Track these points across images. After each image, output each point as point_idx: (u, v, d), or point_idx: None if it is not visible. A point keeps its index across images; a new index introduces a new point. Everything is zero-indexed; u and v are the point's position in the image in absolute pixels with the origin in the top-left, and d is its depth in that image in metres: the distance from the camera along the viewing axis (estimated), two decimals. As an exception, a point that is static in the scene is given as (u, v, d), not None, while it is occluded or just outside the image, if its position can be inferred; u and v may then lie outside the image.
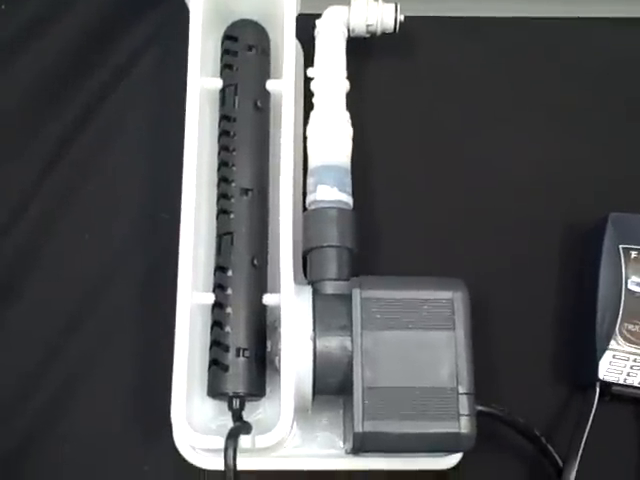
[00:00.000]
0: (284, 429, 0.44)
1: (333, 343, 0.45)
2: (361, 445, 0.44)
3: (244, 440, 0.44)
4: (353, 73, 0.54)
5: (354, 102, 0.54)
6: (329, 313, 0.46)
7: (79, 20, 0.58)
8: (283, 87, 0.50)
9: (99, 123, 0.56)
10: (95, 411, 0.51)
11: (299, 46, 0.56)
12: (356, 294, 0.45)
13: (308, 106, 0.53)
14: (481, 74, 0.57)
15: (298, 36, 0.55)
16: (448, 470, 0.49)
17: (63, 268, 0.53)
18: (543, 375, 0.52)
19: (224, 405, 0.47)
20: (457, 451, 0.47)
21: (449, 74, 0.57)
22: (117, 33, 0.58)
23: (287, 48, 0.50)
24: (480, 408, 0.45)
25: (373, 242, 0.54)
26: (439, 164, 0.56)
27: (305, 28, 0.55)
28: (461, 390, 0.44)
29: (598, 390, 0.49)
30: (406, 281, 0.47)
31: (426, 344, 0.45)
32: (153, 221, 0.54)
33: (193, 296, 0.47)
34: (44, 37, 0.57)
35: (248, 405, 0.48)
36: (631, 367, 0.49)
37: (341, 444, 0.49)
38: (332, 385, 0.45)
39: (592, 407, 0.49)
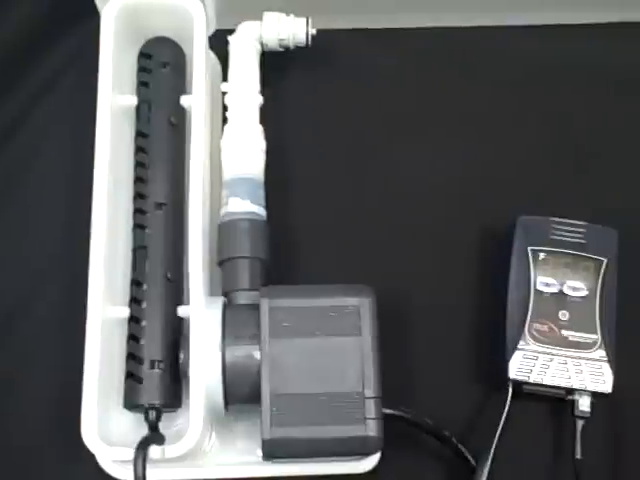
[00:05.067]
0: (193, 439, 0.45)
1: (242, 352, 0.46)
2: (270, 451, 0.45)
3: (154, 450, 0.45)
4: (270, 86, 0.55)
5: (271, 115, 0.55)
6: (239, 323, 0.47)
7: (8, 30, 0.59)
8: (193, 102, 0.51)
9: (20, 140, 0.57)
10: (19, 428, 0.52)
11: (217, 61, 0.57)
12: (264, 303, 0.46)
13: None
14: (395, 85, 0.59)
15: (217, 52, 0.57)
16: (365, 473, 0.50)
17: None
18: (460, 376, 0.53)
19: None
20: (365, 454, 0.48)
21: (364, 86, 0.58)
22: (39, 50, 0.59)
23: (197, 64, 0.51)
24: (387, 411, 0.46)
25: (291, 252, 0.55)
26: (355, 174, 0.57)
27: (224, 44, 0.56)
28: (368, 394, 0.45)
29: (510, 390, 0.50)
30: (314, 289, 0.48)
31: (333, 350, 0.46)
32: (74, 238, 0.54)
33: (108, 310, 0.48)
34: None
35: (167, 416, 0.48)
36: (540, 366, 0.50)
37: (260, 452, 0.50)
38: (243, 394, 0.46)
39: (505, 407, 0.50)
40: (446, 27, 0.59)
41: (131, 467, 0.48)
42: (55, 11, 0.59)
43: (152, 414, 0.47)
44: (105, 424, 0.46)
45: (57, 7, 0.59)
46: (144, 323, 0.48)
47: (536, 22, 0.60)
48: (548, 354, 0.50)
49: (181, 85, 0.54)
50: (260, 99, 0.54)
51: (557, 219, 0.52)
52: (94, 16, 0.55)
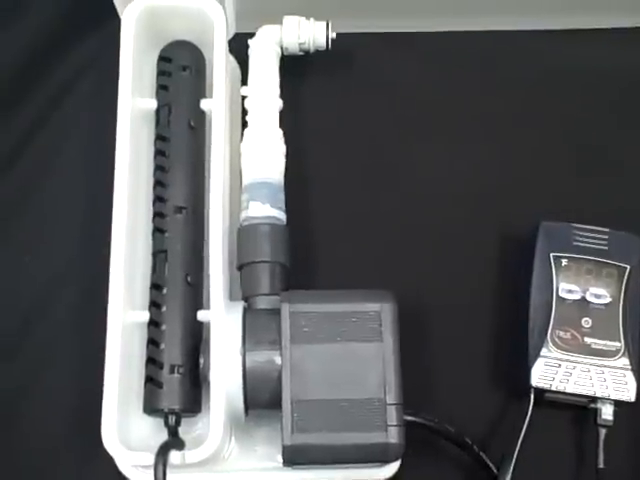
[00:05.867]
0: (213, 444, 0.45)
1: (262, 357, 0.46)
2: (291, 458, 0.45)
3: (174, 456, 0.44)
4: (289, 90, 0.55)
5: (290, 119, 0.55)
6: (259, 328, 0.47)
7: (29, 32, 0.59)
8: (213, 106, 0.51)
9: (40, 143, 0.57)
10: (37, 431, 0.51)
11: (236, 65, 0.57)
12: (285, 308, 0.46)
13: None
14: (414, 88, 0.58)
15: (237, 56, 0.57)
16: (386, 480, 0.49)
17: (3, 290, 0.54)
18: (480, 381, 0.53)
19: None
20: (387, 461, 0.47)
21: (383, 90, 0.58)
22: (59, 53, 0.59)
23: (217, 67, 0.51)
24: (409, 418, 0.46)
25: (310, 255, 0.54)
26: (374, 177, 0.57)
27: (244, 47, 0.56)
28: (389, 401, 0.45)
29: (532, 397, 0.50)
30: (335, 294, 0.47)
31: (354, 356, 0.46)
32: (92, 242, 0.54)
33: (128, 314, 0.48)
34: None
35: (186, 421, 0.48)
36: (563, 374, 0.49)
37: (280, 458, 0.49)
38: (264, 399, 0.46)
39: (526, 414, 0.49)
40: (464, 31, 0.59)
41: (150, 472, 0.48)
42: (75, 13, 0.59)
43: (172, 419, 0.47)
44: (125, 428, 0.46)
45: (77, 9, 0.59)
46: (164, 327, 0.48)
47: (555, 27, 0.60)
48: (571, 362, 0.50)
49: (201, 89, 0.54)
50: (280, 103, 0.53)
51: (580, 225, 0.52)
52: (114, 19, 0.55)
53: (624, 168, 0.57)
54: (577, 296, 0.51)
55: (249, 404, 0.46)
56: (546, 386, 0.50)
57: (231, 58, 0.56)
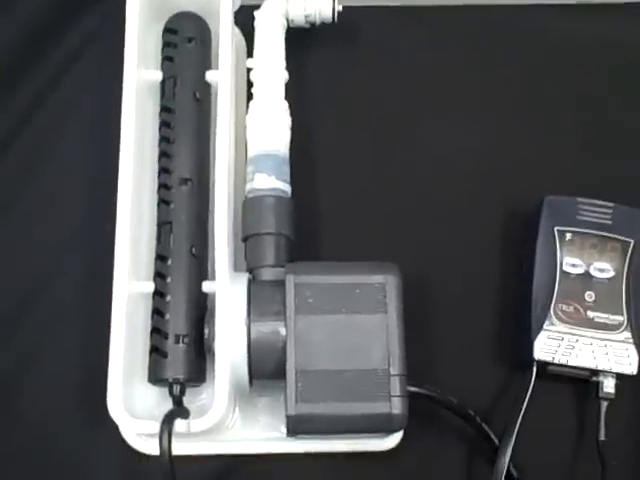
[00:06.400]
0: (218, 413, 0.45)
1: (267, 328, 0.46)
2: (295, 427, 0.45)
3: (179, 424, 0.45)
4: (295, 63, 0.55)
5: (296, 92, 0.54)
6: (264, 299, 0.47)
7: (26, 12, 0.58)
8: (219, 78, 0.51)
9: (47, 115, 0.57)
10: (43, 402, 0.52)
11: (241, 37, 0.57)
12: (290, 280, 0.46)
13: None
14: (420, 63, 0.58)
15: (242, 28, 0.56)
16: (388, 451, 0.50)
17: (10, 260, 0.54)
18: (484, 355, 0.53)
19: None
20: (390, 431, 0.48)
21: (389, 63, 0.58)
22: (65, 25, 0.58)
23: (223, 39, 0.51)
24: (412, 389, 0.46)
25: (315, 229, 0.54)
26: (380, 152, 0.56)
27: (250, 20, 0.55)
28: (393, 372, 0.45)
29: (535, 370, 0.50)
30: (339, 266, 0.48)
31: (358, 327, 0.46)
32: (99, 213, 0.54)
33: (133, 285, 0.48)
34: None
35: (191, 391, 0.49)
36: (566, 347, 0.50)
37: (283, 428, 0.50)
38: (268, 369, 0.46)
39: (528, 387, 0.50)
40: (471, 5, 0.59)
41: (154, 441, 0.48)
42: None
43: (176, 388, 0.47)
44: (130, 397, 0.47)
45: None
46: (169, 298, 0.48)
47: (563, 1, 0.59)
48: (573, 335, 0.50)
49: (206, 60, 0.53)
50: (285, 75, 0.53)
51: (584, 199, 0.52)
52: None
53: (630, 144, 0.57)
54: (581, 270, 0.51)
55: (254, 374, 0.46)
56: (549, 359, 0.50)
57: (237, 30, 0.56)
